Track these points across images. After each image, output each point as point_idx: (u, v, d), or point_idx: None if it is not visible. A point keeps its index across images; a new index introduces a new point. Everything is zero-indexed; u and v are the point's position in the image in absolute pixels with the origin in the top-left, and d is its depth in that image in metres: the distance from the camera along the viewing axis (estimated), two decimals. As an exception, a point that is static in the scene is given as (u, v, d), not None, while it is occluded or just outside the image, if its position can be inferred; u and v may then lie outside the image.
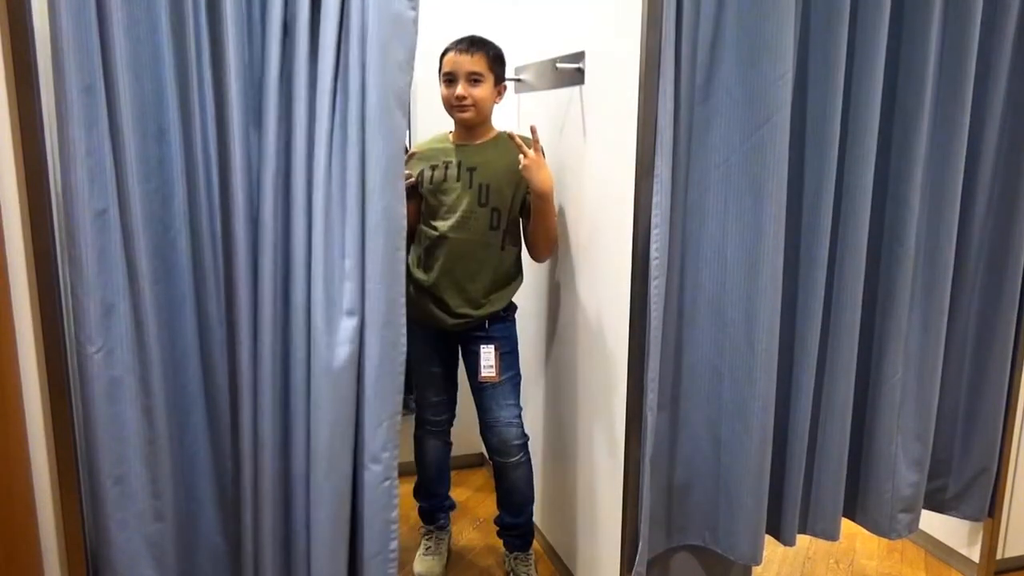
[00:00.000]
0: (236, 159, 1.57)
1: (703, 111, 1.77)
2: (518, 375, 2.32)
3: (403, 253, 1.67)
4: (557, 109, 2.34)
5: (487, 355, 2.24)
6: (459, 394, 2.44)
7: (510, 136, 2.18)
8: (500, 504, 2.39)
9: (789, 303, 1.90)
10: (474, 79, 2.14)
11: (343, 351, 1.62)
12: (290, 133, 1.59)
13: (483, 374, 2.23)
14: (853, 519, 2.15)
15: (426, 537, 2.53)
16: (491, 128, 2.27)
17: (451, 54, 2.17)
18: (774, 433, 1.90)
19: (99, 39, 1.44)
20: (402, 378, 1.70)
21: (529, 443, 2.31)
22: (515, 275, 2.29)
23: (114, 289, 1.53)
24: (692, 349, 1.89)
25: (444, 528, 2.55)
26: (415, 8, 1.58)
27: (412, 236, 2.28)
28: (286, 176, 1.60)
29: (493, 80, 2.18)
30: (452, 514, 2.62)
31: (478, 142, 2.23)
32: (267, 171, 1.59)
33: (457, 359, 2.38)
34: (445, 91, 2.18)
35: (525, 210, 2.23)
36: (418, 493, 2.52)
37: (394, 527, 1.71)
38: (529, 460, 2.32)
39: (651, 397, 1.79)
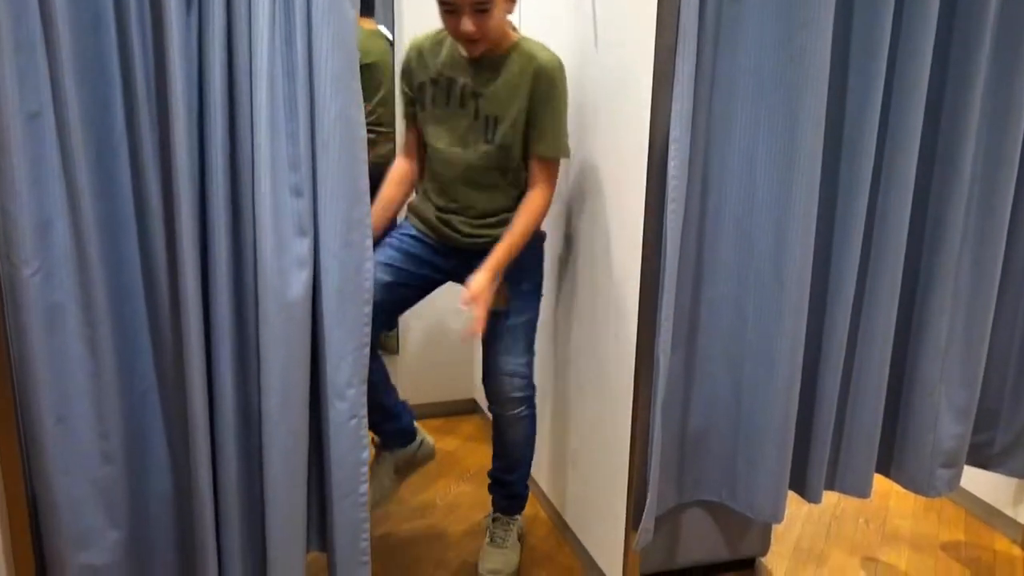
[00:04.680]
0: (174, 54, 1.36)
1: (733, 8, 1.58)
2: (535, 317, 2.02)
3: (365, 166, 1.46)
4: (564, 8, 2.08)
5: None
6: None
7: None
8: (495, 454, 2.15)
9: (825, 232, 1.72)
10: (481, 8, 1.74)
11: (295, 277, 1.45)
12: (231, 24, 1.37)
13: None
14: (887, 475, 1.97)
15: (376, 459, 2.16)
16: (507, 35, 1.86)
17: None
18: (802, 377, 1.73)
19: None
20: (369, 307, 1.52)
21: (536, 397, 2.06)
22: None
23: (51, 203, 1.38)
24: (713, 282, 1.72)
25: (391, 448, 2.14)
26: None
27: (422, 168, 2.04)
28: (228, 71, 1.40)
29: None
30: (439, 467, 2.23)
31: (491, 56, 1.85)
32: (209, 68, 1.38)
33: (432, 287, 2.07)
34: (446, 20, 1.79)
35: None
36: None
37: (364, 468, 1.57)
38: (533, 416, 2.06)
39: (664, 336, 1.63)
